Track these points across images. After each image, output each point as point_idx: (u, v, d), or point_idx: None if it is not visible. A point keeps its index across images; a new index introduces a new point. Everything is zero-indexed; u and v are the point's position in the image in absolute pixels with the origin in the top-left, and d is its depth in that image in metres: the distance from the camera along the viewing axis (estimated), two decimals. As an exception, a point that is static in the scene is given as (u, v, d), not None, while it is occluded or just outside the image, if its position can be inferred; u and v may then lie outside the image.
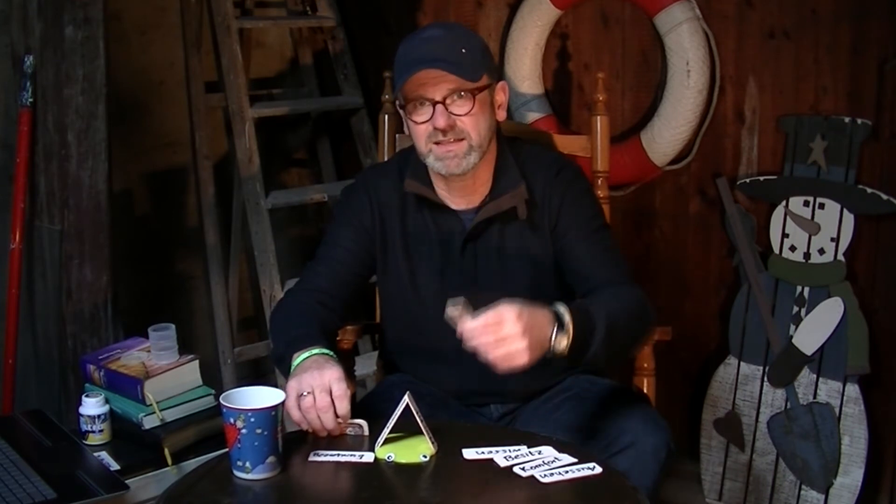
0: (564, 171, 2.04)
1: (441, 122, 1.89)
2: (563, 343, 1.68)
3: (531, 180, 2.02)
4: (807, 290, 2.84)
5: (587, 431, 1.94)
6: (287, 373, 1.80)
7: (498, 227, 2.02)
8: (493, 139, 2.00)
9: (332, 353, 1.79)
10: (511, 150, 2.05)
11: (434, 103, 1.90)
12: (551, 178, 2.02)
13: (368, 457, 1.66)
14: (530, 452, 1.67)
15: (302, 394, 1.69)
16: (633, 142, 3.02)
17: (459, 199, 2.03)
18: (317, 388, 1.69)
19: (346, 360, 2.07)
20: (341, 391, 1.69)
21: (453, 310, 1.63)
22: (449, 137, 1.91)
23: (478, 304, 1.66)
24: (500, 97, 2.01)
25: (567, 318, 1.69)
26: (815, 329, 2.82)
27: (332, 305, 2.00)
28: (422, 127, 1.93)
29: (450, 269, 2.04)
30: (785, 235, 2.88)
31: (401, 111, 1.99)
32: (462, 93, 1.90)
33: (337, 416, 1.69)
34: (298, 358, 1.78)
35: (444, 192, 2.03)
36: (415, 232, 2.06)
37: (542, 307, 1.69)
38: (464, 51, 1.91)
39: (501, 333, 1.61)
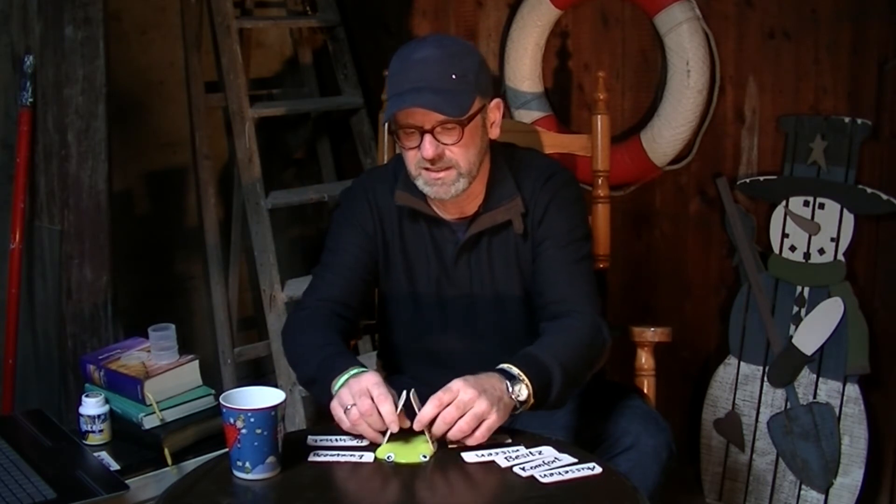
0: (554, 178, 2.02)
1: (429, 152, 1.87)
2: (524, 393, 1.71)
3: (524, 190, 2.00)
4: (807, 290, 2.84)
5: (588, 433, 1.94)
6: (323, 395, 1.78)
7: (491, 236, 2.01)
8: (484, 158, 1.97)
9: (367, 369, 1.77)
10: (506, 160, 2.03)
11: (423, 132, 1.87)
12: (540, 185, 2.00)
13: (368, 457, 1.66)
14: (530, 453, 1.67)
15: (346, 408, 1.68)
16: (633, 142, 3.02)
17: (452, 208, 2.01)
18: (356, 395, 1.68)
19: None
20: (381, 393, 1.67)
21: (412, 399, 1.68)
22: (437, 166, 1.89)
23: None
24: (494, 115, 1.97)
25: (515, 370, 1.73)
26: (815, 329, 2.82)
27: (346, 315, 1.99)
28: (411, 152, 1.91)
29: (445, 278, 2.04)
30: (785, 235, 2.88)
31: (391, 134, 1.95)
32: (451, 123, 1.87)
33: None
34: (337, 384, 1.75)
35: (436, 204, 2.01)
36: (411, 239, 2.05)
37: (487, 372, 1.72)
38: (454, 77, 1.86)
39: (460, 402, 1.64)
